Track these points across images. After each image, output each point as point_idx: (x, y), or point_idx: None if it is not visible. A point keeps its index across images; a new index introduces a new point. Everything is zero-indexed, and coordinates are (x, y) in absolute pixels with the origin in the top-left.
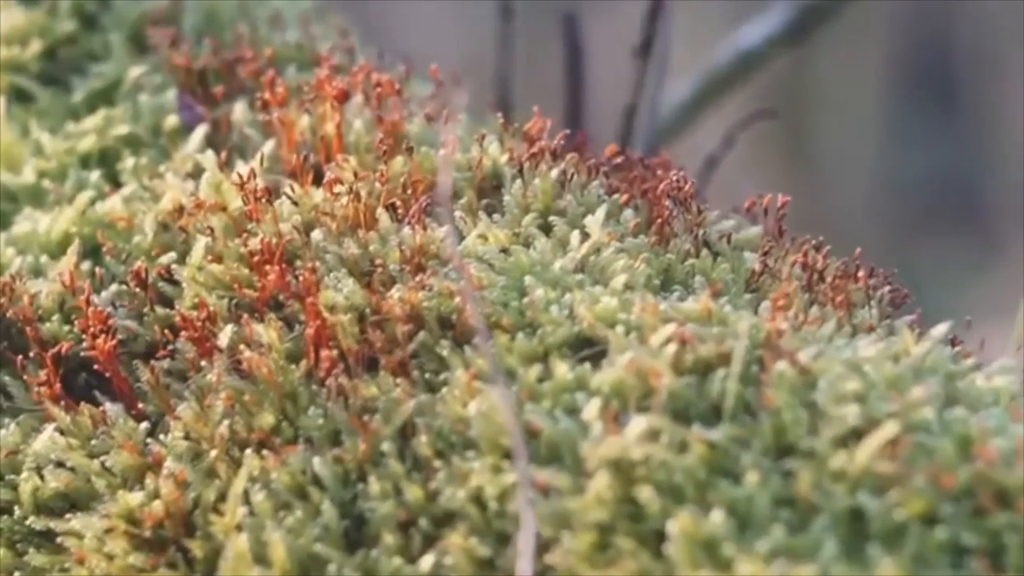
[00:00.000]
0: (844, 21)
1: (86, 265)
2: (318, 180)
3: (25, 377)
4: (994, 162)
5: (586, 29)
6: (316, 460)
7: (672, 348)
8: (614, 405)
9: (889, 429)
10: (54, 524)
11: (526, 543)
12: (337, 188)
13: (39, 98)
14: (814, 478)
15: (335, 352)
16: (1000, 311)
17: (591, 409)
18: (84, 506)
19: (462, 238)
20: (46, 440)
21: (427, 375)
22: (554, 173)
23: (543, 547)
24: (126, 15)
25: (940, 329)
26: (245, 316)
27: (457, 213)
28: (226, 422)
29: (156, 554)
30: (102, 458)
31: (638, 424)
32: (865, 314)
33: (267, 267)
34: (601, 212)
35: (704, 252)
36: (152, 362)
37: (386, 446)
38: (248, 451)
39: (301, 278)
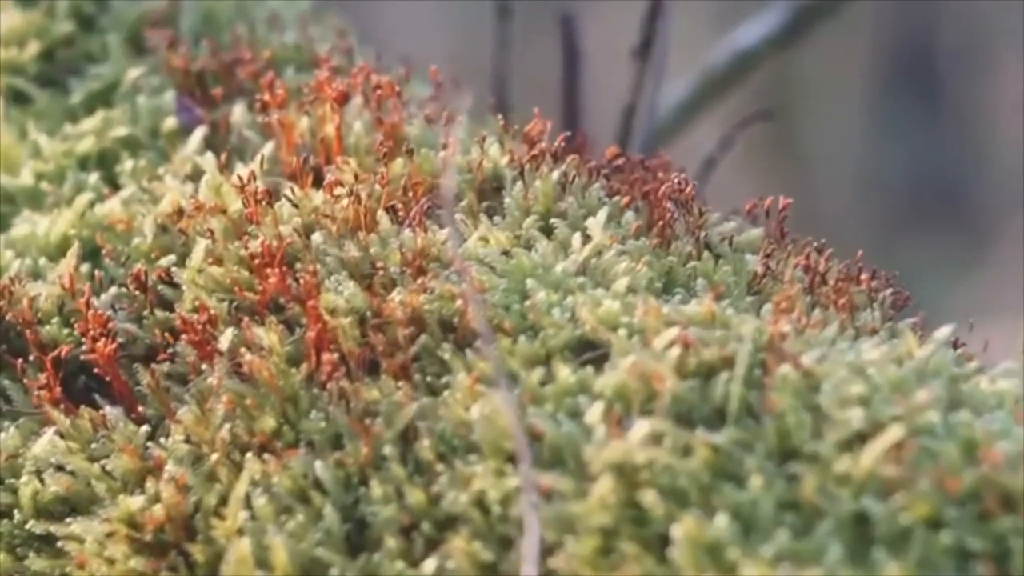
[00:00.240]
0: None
1: (85, 268)
2: (318, 182)
3: (25, 380)
4: (979, 160)
5: (582, 29)
6: (318, 464)
7: (675, 351)
8: (617, 409)
9: (894, 433)
10: (54, 528)
11: (530, 547)
12: (337, 190)
13: (37, 100)
14: (818, 482)
15: (336, 355)
16: (985, 309)
17: (594, 413)
18: (84, 510)
19: (463, 240)
20: (46, 444)
21: (429, 378)
22: (555, 175)
23: (547, 551)
24: (124, 16)
25: (943, 332)
26: (246, 319)
27: (458, 215)
28: (227, 426)
29: (157, 558)
30: (102, 462)
31: (641, 428)
32: (867, 317)
33: (267, 270)
34: (602, 214)
35: (706, 254)
36: (152, 365)
37: (388, 450)
38: (249, 455)
39: (302, 281)
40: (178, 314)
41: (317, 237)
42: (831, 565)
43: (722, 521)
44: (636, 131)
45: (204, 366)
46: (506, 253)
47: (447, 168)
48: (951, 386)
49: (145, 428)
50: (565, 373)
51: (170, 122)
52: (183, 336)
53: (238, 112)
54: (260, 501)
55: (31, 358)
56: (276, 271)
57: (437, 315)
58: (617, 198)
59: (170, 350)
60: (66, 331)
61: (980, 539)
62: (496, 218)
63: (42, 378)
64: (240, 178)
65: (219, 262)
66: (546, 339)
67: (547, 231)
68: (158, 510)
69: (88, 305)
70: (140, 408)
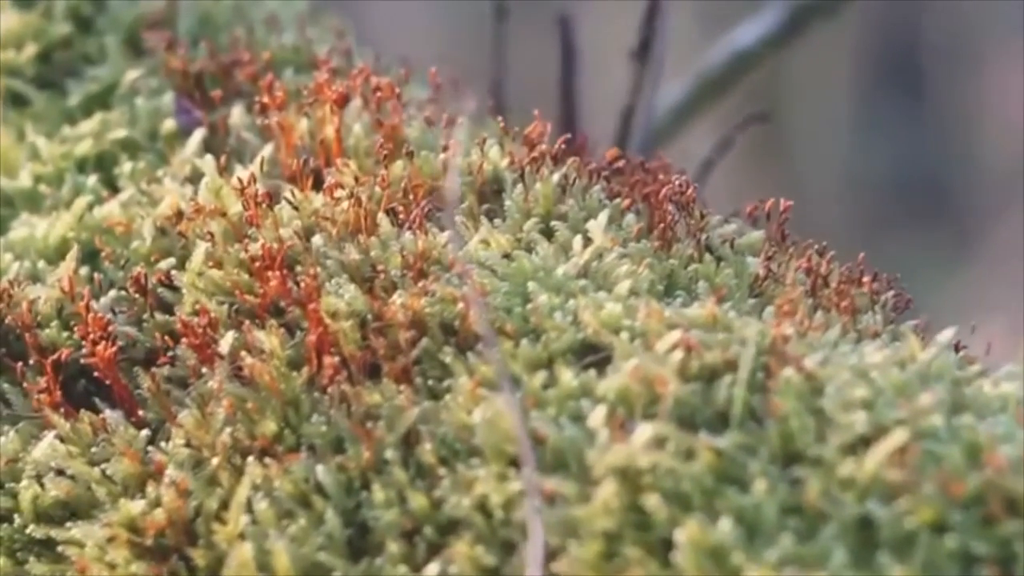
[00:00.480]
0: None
1: (84, 271)
2: (318, 184)
3: (24, 384)
4: (965, 159)
5: (580, 29)
6: (319, 468)
7: (678, 355)
8: (620, 412)
9: (898, 436)
10: (55, 533)
11: (534, 552)
12: (337, 193)
13: (34, 102)
14: (822, 486)
15: (337, 359)
16: (972, 308)
17: (597, 416)
18: (85, 514)
19: (464, 243)
20: (46, 448)
21: (430, 382)
22: (555, 177)
23: (550, 556)
24: (121, 18)
25: (945, 334)
26: (246, 322)
27: (458, 218)
28: (228, 429)
29: (158, 563)
30: (103, 466)
31: (644, 431)
32: (869, 319)
33: (268, 273)
34: (603, 217)
35: (707, 257)
36: (152, 369)
37: (390, 454)
38: (250, 459)
39: (302, 284)
40: (178, 317)
41: (317, 240)
42: (835, 569)
43: (726, 525)
44: (634, 132)
45: (204, 369)
46: (507, 256)
47: (450, 170)
48: (954, 389)
49: (145, 432)
50: (567, 376)
51: (169, 124)
52: (183, 339)
53: (237, 114)
54: (261, 505)
55: (31, 362)
56: (276, 274)
57: (438, 318)
58: (618, 200)
59: (170, 353)
60: (66, 334)
61: (984, 543)
62: (497, 221)
63: (42, 382)
64: (240, 180)
65: (219, 265)
66: (548, 342)
67: (548, 234)
68: (159, 514)
69: (88, 308)
70: (140, 412)
